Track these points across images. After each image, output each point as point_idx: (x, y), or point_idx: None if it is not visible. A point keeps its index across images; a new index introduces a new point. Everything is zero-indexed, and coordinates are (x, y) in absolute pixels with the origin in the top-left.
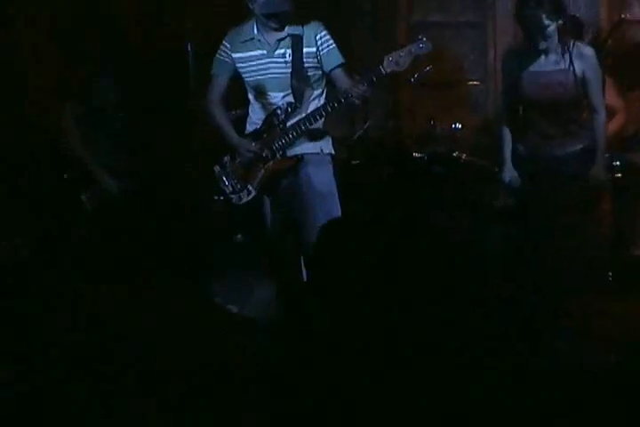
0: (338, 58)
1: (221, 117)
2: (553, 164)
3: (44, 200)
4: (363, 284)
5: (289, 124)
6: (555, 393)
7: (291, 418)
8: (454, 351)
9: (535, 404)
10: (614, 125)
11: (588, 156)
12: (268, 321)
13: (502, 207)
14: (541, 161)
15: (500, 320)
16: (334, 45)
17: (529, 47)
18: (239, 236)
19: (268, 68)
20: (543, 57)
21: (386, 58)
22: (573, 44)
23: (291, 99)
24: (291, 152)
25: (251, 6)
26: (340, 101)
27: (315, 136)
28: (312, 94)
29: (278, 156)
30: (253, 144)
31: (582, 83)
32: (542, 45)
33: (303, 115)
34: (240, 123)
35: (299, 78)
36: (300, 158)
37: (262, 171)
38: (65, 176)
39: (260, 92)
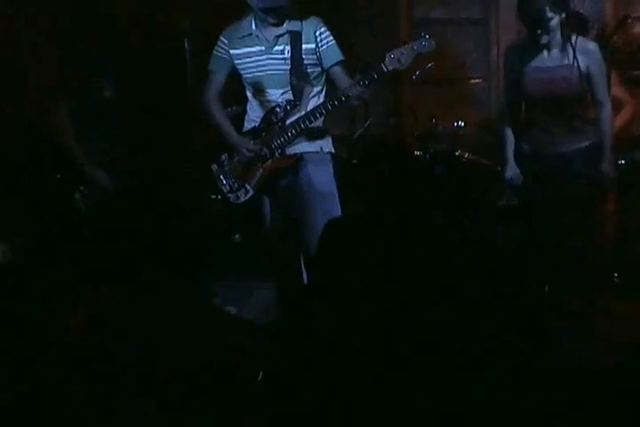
0: (337, 55)
1: (219, 115)
2: (557, 161)
3: (44, 200)
4: (363, 284)
5: (288, 122)
6: (558, 393)
7: (291, 418)
8: (456, 351)
9: (540, 403)
10: (622, 119)
11: (593, 153)
12: (268, 321)
13: (505, 207)
14: (545, 159)
15: (504, 320)
16: (334, 42)
17: (531, 42)
18: (237, 236)
19: (267, 65)
20: (546, 52)
21: (387, 55)
22: (576, 39)
23: (290, 96)
24: (290, 151)
25: (248, 1)
26: (341, 99)
27: (314, 134)
28: (311, 91)
29: (277, 154)
30: (252, 142)
31: (587, 78)
32: (545, 39)
33: (302, 113)
34: (237, 120)
35: (298, 75)
36: (299, 157)
37: (261, 170)
38: (58, 176)
39: (259, 90)
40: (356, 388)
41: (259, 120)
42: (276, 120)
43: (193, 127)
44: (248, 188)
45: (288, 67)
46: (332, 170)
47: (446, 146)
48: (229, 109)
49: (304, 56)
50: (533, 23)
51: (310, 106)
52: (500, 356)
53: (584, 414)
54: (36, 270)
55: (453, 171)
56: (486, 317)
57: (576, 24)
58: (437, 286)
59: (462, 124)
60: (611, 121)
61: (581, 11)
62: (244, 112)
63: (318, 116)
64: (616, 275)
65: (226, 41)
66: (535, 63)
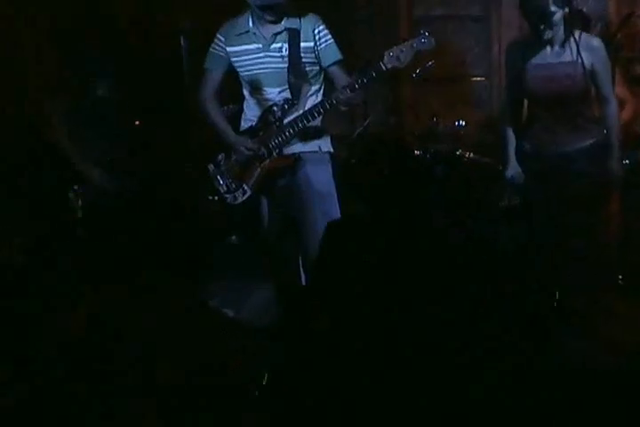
0: (336, 54)
1: (216, 114)
2: (560, 161)
3: (44, 200)
4: (363, 284)
5: (286, 121)
6: (561, 392)
7: (290, 418)
8: (458, 351)
9: (543, 403)
10: (623, 118)
11: (597, 152)
12: (268, 322)
13: (507, 206)
14: (548, 158)
15: (507, 320)
16: (332, 41)
17: (534, 38)
18: (233, 237)
19: (264, 63)
20: (549, 48)
21: (386, 53)
22: (580, 36)
23: (287, 94)
24: (288, 150)
25: None
26: (332, 103)
27: (313, 134)
28: (309, 90)
29: (275, 154)
30: (250, 142)
31: (591, 75)
32: (548, 35)
33: (300, 112)
34: (234, 119)
35: (295, 73)
36: (297, 157)
37: (258, 170)
38: (56, 175)
39: (256, 88)
40: (356, 388)
41: (256, 119)
42: (273, 119)
43: (191, 126)
44: (246, 188)
45: (286, 65)
46: (330, 170)
47: (447, 145)
48: (226, 108)
49: (302, 54)
50: (536, 18)
51: (308, 104)
52: (503, 356)
53: (588, 414)
54: (35, 270)
55: (454, 170)
56: (489, 317)
57: (578, 22)
58: (439, 286)
59: (463, 122)
60: (617, 117)
61: (584, 9)
62: (241, 110)
63: (316, 115)
64: (620, 277)
65: (222, 38)
66: (537, 60)
